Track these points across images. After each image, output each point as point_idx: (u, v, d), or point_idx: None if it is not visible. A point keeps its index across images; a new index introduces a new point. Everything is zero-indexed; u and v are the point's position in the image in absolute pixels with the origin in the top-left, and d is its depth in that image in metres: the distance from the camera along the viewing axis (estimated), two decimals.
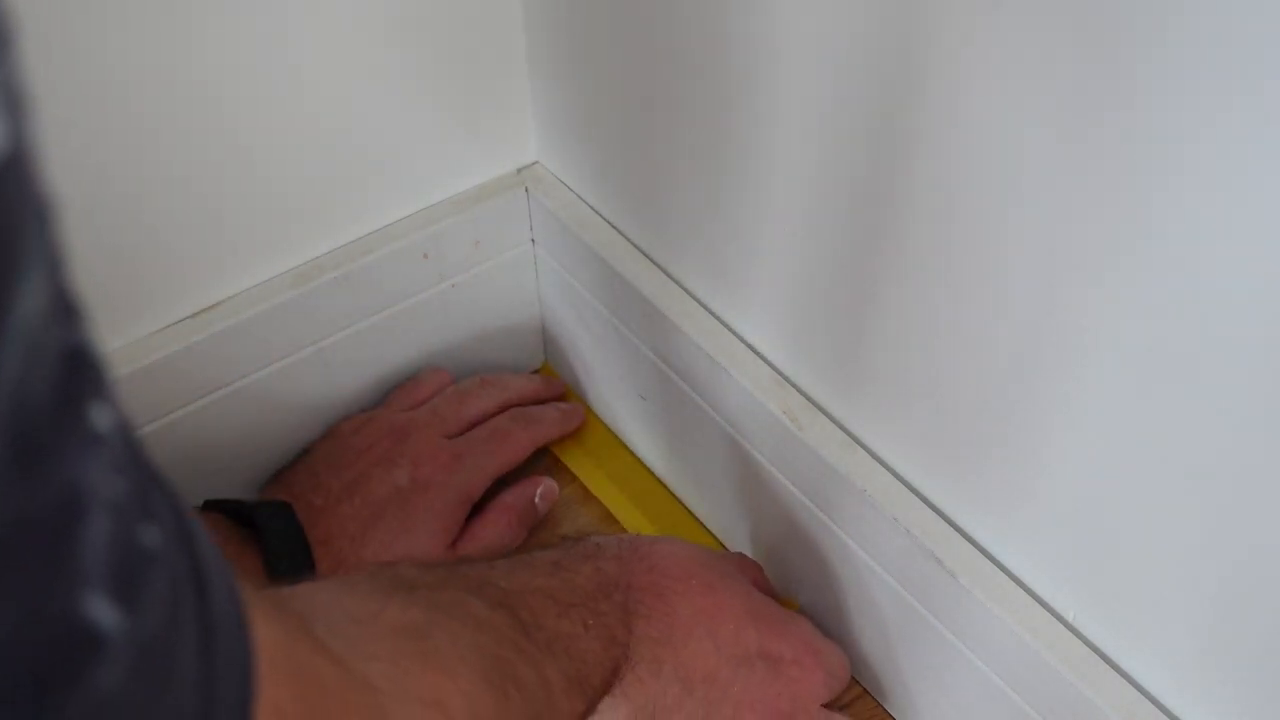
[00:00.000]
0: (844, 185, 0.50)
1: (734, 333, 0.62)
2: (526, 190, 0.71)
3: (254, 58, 0.58)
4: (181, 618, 0.19)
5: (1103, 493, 0.46)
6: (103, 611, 0.17)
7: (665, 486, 0.73)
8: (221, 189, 0.61)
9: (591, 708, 0.47)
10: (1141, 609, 0.48)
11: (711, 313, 0.63)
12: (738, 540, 0.69)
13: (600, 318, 0.70)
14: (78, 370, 0.17)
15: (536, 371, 0.79)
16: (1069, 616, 0.51)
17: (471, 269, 0.72)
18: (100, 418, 0.17)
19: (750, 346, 0.62)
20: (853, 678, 0.64)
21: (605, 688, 0.48)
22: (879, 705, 0.63)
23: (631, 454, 0.75)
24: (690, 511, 0.72)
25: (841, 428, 0.58)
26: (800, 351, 0.59)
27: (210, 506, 0.62)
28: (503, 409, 0.71)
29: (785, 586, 0.67)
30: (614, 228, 0.68)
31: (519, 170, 0.72)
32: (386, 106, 0.64)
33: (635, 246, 0.67)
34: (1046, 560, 0.51)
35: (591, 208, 0.69)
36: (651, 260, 0.66)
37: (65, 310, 0.17)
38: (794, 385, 0.60)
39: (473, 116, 0.68)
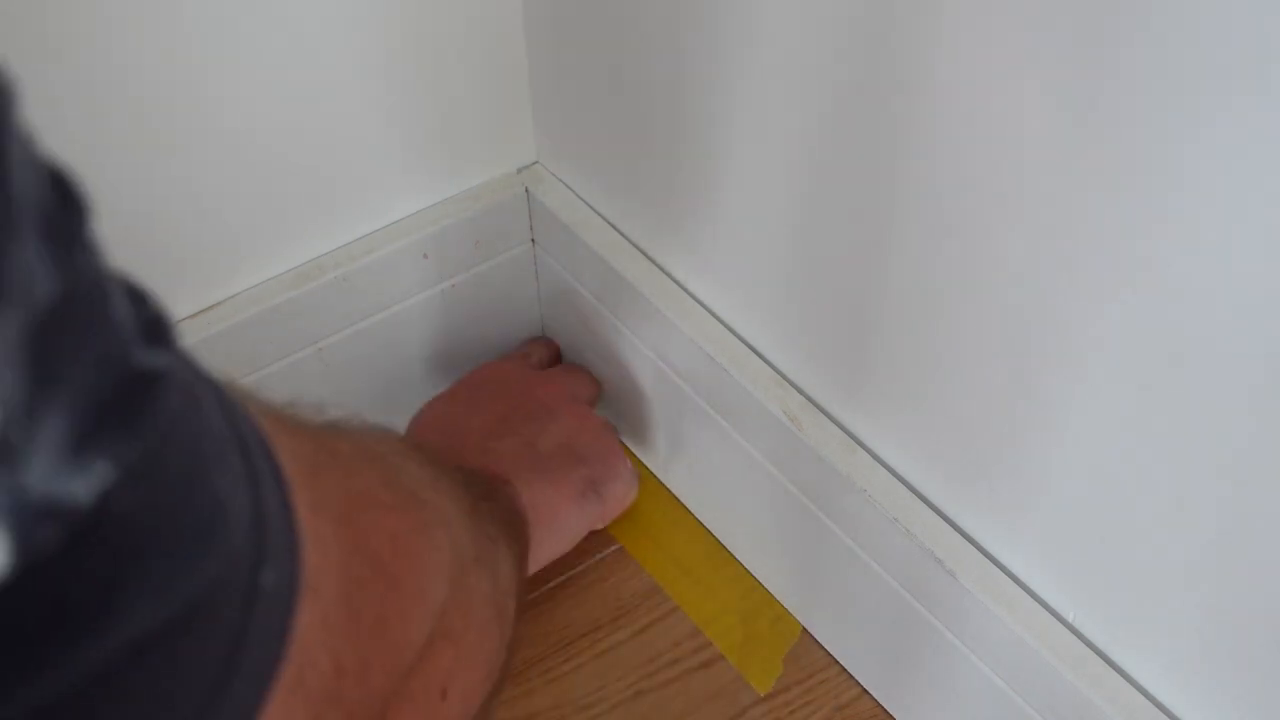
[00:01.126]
0: (845, 186, 0.50)
1: (734, 333, 0.62)
2: (526, 190, 0.71)
3: (254, 58, 0.58)
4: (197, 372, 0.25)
5: (1102, 493, 0.46)
6: (152, 357, 0.22)
7: (665, 487, 0.73)
8: (221, 189, 0.61)
9: None
10: (1141, 609, 0.48)
11: (711, 313, 0.63)
12: (738, 542, 0.69)
13: (600, 318, 0.70)
14: (64, 189, 0.21)
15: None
16: (1069, 616, 0.51)
17: (471, 269, 0.72)
18: (92, 232, 0.22)
19: (750, 346, 0.62)
20: (853, 676, 0.64)
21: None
22: (879, 705, 0.64)
23: (631, 455, 0.75)
24: (690, 512, 0.72)
25: (841, 428, 0.58)
26: (800, 351, 0.59)
27: None
28: None
29: (788, 590, 0.67)
30: (614, 228, 0.68)
31: (519, 170, 0.72)
32: (387, 107, 0.64)
33: (635, 246, 0.67)
34: (1046, 560, 0.51)
35: (591, 208, 0.69)
36: (652, 260, 0.66)
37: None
38: (794, 385, 0.60)
39: (473, 117, 0.68)
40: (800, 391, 0.60)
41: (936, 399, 0.52)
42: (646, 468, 0.74)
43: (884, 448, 0.57)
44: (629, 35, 0.59)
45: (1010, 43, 0.40)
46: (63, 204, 0.21)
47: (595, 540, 0.70)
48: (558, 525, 0.62)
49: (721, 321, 0.63)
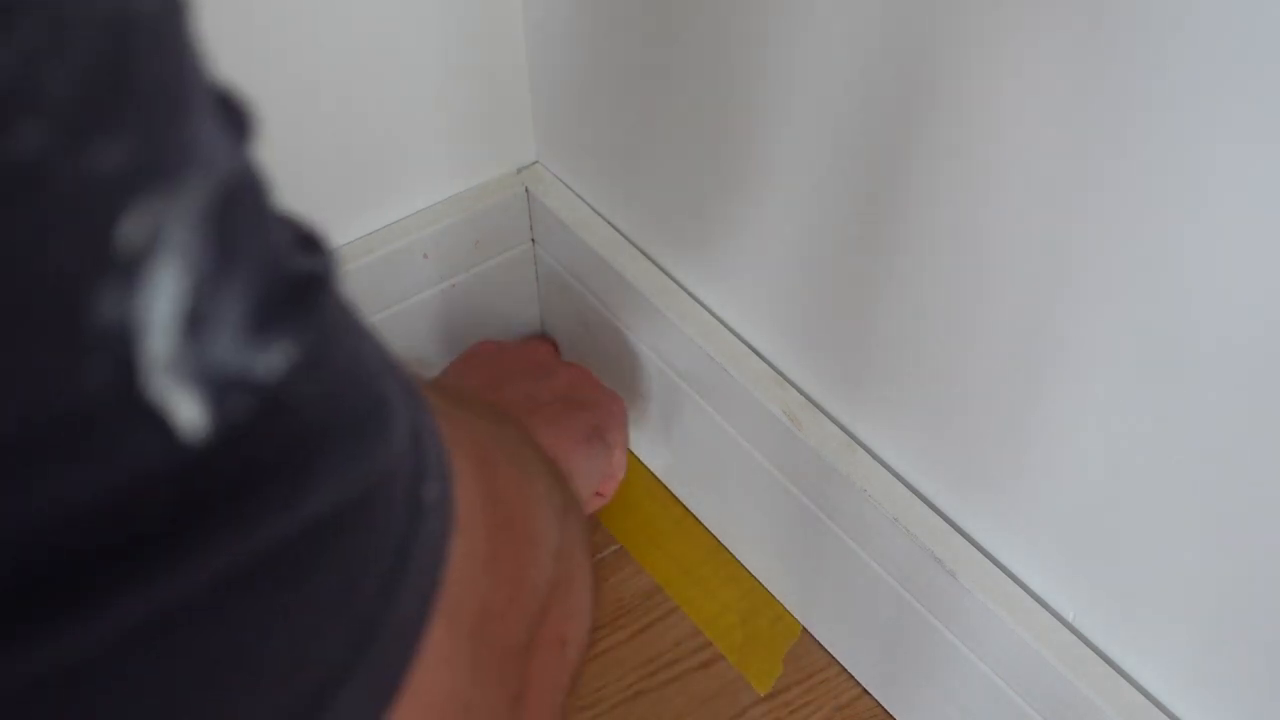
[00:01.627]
0: (844, 186, 0.50)
1: (734, 333, 0.62)
2: (526, 190, 0.71)
3: (254, 58, 0.58)
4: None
5: (1103, 493, 0.46)
6: (313, 262, 0.23)
7: (665, 487, 0.73)
8: None
9: None
10: (1141, 609, 0.48)
11: (711, 313, 0.63)
12: (739, 544, 0.69)
13: (600, 318, 0.70)
14: (233, 102, 0.22)
15: None
16: (1069, 616, 0.51)
17: (471, 269, 0.72)
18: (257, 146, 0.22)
19: (750, 346, 0.62)
20: (853, 676, 0.64)
21: None
22: (879, 705, 0.63)
23: (631, 454, 0.75)
24: (690, 512, 0.72)
25: (841, 428, 0.58)
26: (800, 351, 0.59)
27: None
28: None
29: (788, 590, 0.67)
30: (614, 228, 0.68)
31: (519, 170, 0.72)
32: (387, 107, 0.64)
33: (635, 246, 0.67)
34: (1046, 560, 0.51)
35: (591, 208, 0.69)
36: (652, 260, 0.66)
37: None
38: (794, 385, 0.60)
39: (473, 117, 0.68)
40: (800, 391, 0.60)
41: (937, 399, 0.52)
42: (646, 467, 0.74)
43: (884, 448, 0.57)
44: (629, 35, 0.59)
45: (1010, 53, 0.40)
46: (232, 111, 0.22)
47: (595, 540, 0.70)
48: (570, 470, 0.61)
49: (721, 321, 0.63)
